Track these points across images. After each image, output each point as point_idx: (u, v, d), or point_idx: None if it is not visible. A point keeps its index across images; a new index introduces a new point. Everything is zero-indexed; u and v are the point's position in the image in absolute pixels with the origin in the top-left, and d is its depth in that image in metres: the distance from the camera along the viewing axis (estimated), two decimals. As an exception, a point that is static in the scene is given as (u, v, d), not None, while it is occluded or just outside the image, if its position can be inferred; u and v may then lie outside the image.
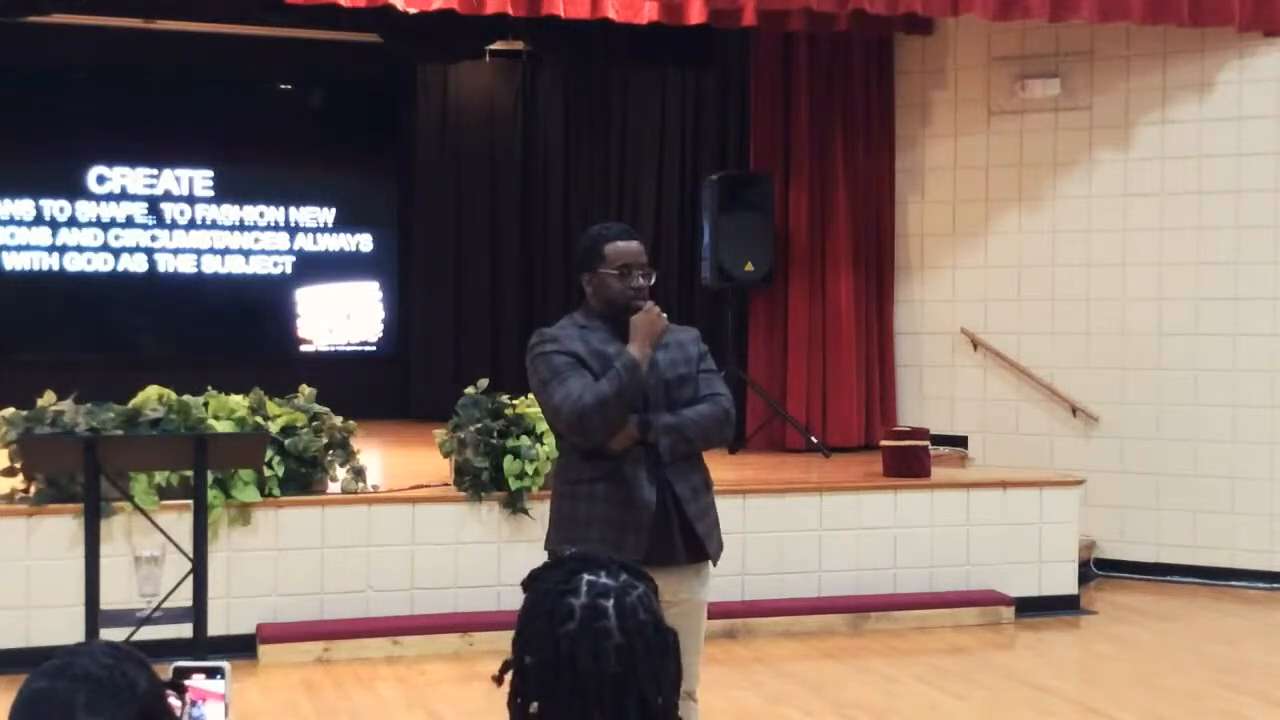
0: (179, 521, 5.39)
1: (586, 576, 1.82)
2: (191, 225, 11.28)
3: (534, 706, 1.78)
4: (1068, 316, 9.03)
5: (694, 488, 3.96)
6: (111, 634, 4.29)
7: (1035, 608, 7.63)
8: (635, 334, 3.87)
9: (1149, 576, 8.67)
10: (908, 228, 9.58)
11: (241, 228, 11.41)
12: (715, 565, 4.03)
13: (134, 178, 11.16)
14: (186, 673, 2.05)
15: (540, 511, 6.64)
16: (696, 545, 3.94)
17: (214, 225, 11.33)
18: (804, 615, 7.21)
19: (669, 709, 1.81)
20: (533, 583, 1.86)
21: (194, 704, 2.04)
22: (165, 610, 4.66)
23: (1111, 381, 8.89)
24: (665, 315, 3.92)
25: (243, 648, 6.46)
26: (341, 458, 6.98)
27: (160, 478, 6.37)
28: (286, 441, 6.74)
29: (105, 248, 11.09)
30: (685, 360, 4.01)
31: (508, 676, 1.84)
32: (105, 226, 11.08)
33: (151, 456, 5.54)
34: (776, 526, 7.35)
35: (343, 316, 11.72)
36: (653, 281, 4.01)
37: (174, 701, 1.81)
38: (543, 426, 6.81)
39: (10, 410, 6.55)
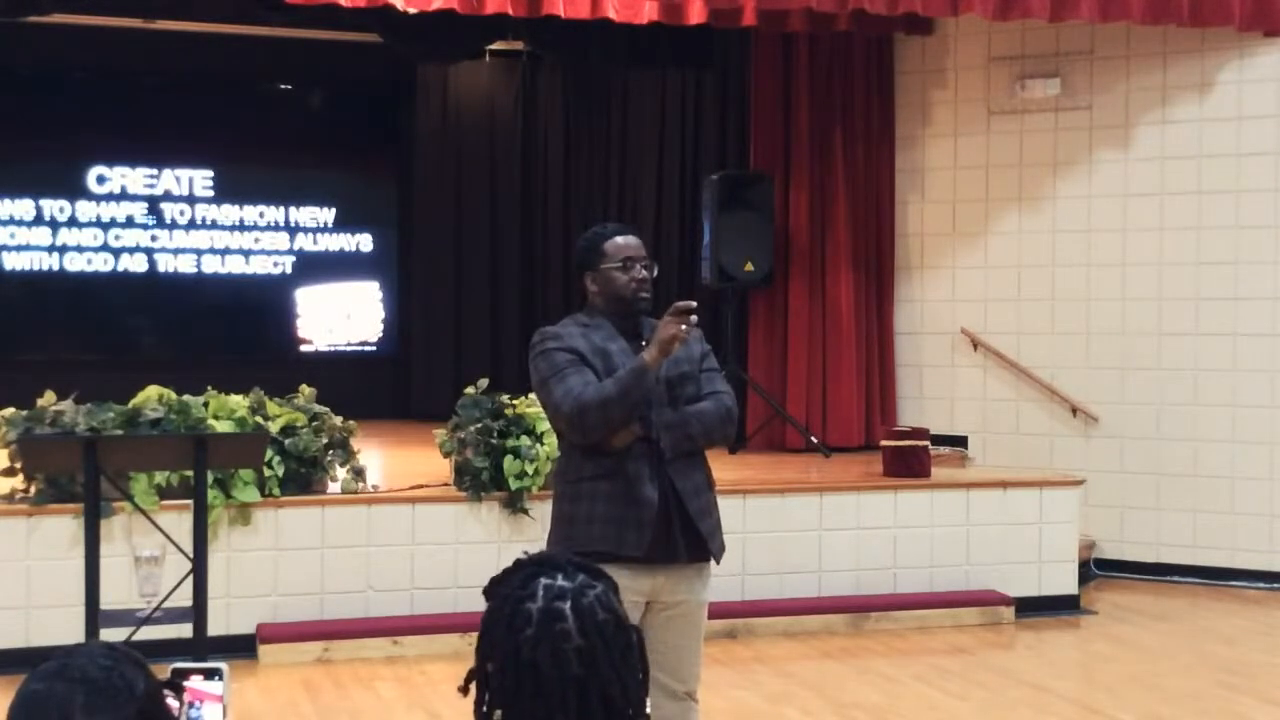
0: (179, 521, 5.38)
1: (543, 580, 1.81)
2: (191, 225, 11.27)
3: (498, 714, 1.78)
4: (1068, 316, 9.02)
5: (696, 486, 3.94)
6: (111, 634, 4.28)
7: (1035, 608, 7.63)
8: (654, 338, 3.83)
9: (1149, 576, 8.67)
10: (908, 228, 9.58)
11: (241, 228, 11.40)
12: (718, 564, 4.01)
13: (134, 178, 11.16)
14: (185, 674, 2.04)
15: (540, 511, 6.65)
16: (698, 544, 3.92)
17: (214, 225, 11.32)
18: (804, 615, 7.21)
19: (636, 706, 1.80)
20: (493, 589, 1.86)
21: (192, 705, 2.03)
22: (165, 610, 4.66)
23: (1111, 381, 8.89)
24: (690, 330, 3.78)
25: (243, 648, 6.46)
26: (341, 458, 6.97)
27: (160, 478, 6.37)
28: (286, 441, 6.74)
29: (105, 248, 11.08)
30: (688, 358, 3.98)
31: (473, 686, 1.83)
32: (105, 226, 11.07)
33: (151, 456, 5.54)
34: (776, 526, 7.35)
35: (343, 316, 11.71)
36: (655, 274, 4.01)
37: (172, 702, 1.81)
38: (543, 426, 6.81)
39: (10, 410, 6.56)
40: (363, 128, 11.90)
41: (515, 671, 1.76)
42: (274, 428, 6.70)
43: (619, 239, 3.97)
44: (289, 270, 11.53)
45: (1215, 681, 6.35)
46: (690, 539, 3.90)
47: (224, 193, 11.34)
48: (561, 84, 11.52)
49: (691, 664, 3.96)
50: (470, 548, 6.92)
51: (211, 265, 11.31)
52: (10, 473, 6.39)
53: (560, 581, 1.81)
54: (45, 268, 10.98)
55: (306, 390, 7.14)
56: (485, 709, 1.79)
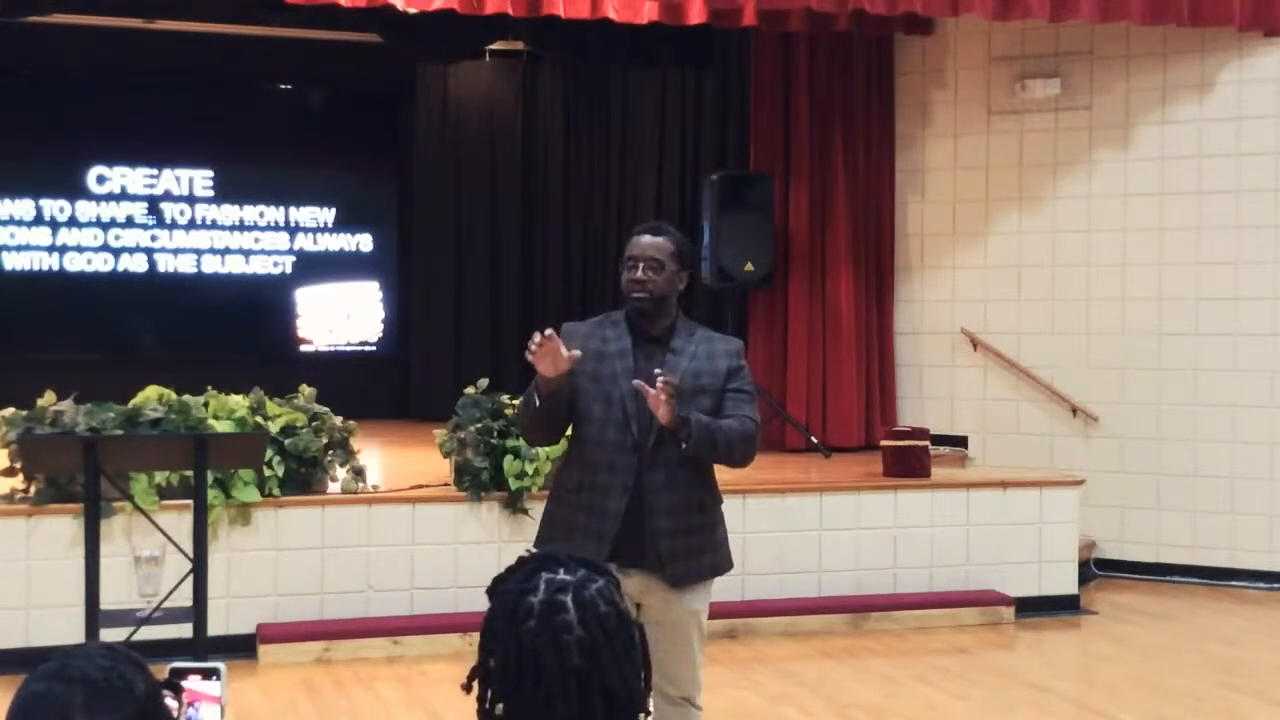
0: (179, 521, 5.38)
1: (545, 574, 1.82)
2: (191, 225, 11.27)
3: (500, 707, 1.78)
4: (1068, 316, 9.02)
5: (674, 504, 3.91)
6: (111, 634, 4.29)
7: (1035, 608, 7.63)
8: None
9: (1149, 576, 8.67)
10: (908, 228, 9.58)
11: (241, 228, 11.40)
12: (676, 589, 3.93)
13: (134, 178, 11.16)
14: (183, 674, 2.04)
15: (539, 511, 6.64)
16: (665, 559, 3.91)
17: (214, 225, 11.32)
18: (804, 615, 7.21)
19: (637, 701, 1.80)
20: (496, 587, 1.87)
21: (190, 706, 2.03)
22: (165, 610, 4.66)
23: (1111, 381, 8.89)
24: (556, 352, 3.75)
25: (243, 648, 6.46)
26: (341, 458, 6.97)
27: (160, 478, 6.37)
28: (286, 441, 6.74)
29: (105, 248, 11.08)
30: (710, 373, 3.95)
31: (476, 683, 1.84)
32: (105, 226, 11.07)
33: (151, 456, 5.54)
34: (776, 526, 7.35)
35: (343, 316, 11.71)
36: (663, 275, 3.90)
37: (171, 703, 1.81)
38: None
39: (10, 410, 6.56)
40: (363, 128, 11.90)
41: (517, 663, 1.77)
42: (274, 428, 6.70)
43: (636, 238, 3.99)
44: (289, 270, 11.53)
45: (1215, 681, 6.35)
46: (660, 551, 3.90)
47: (224, 193, 11.34)
48: (561, 84, 11.52)
49: (685, 670, 3.92)
50: (470, 548, 6.92)
51: (211, 265, 11.31)
52: (10, 473, 6.39)
53: (562, 575, 1.82)
54: (45, 268, 10.98)
55: (306, 390, 7.14)
56: (488, 705, 1.80)
